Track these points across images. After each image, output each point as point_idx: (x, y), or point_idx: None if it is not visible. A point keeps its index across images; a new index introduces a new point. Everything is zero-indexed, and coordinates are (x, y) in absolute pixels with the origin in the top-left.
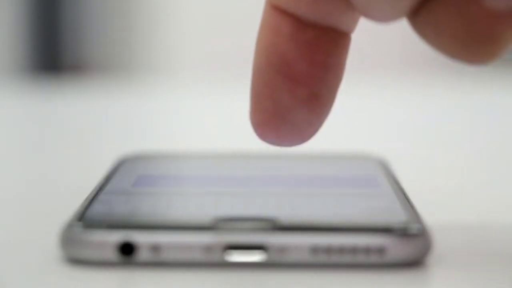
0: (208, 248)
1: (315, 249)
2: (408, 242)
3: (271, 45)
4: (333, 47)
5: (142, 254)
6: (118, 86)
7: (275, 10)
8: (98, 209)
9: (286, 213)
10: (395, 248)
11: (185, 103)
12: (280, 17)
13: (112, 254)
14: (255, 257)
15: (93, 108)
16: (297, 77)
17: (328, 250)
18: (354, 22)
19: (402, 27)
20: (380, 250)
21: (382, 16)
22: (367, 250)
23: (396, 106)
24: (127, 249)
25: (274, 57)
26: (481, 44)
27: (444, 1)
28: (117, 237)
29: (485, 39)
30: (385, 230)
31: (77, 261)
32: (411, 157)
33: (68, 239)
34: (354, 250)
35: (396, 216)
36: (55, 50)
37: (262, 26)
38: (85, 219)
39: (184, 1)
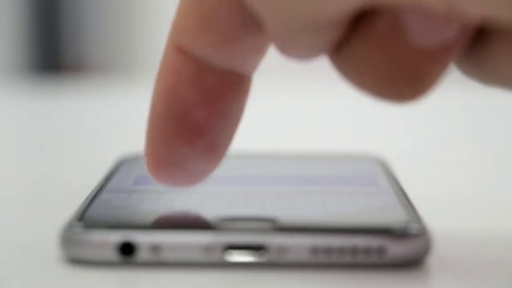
0: (208, 248)
1: (315, 249)
2: (408, 242)
3: (171, 89)
4: (235, 93)
5: (142, 254)
6: (118, 86)
7: (178, 50)
8: (98, 209)
9: (286, 213)
10: (395, 248)
11: None
12: (182, 58)
13: (112, 254)
14: (255, 257)
15: (93, 108)
16: (196, 128)
17: (328, 250)
18: (257, 64)
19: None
20: (380, 250)
21: (300, 53)
22: (367, 250)
23: (396, 106)
24: (127, 249)
25: (173, 102)
26: (408, 83)
27: (366, 38)
28: (117, 237)
29: (412, 78)
30: (385, 230)
31: (77, 261)
32: (411, 157)
33: (68, 239)
34: (354, 250)
35: (396, 216)
36: (55, 50)
37: (162, 67)
38: (85, 219)
39: None
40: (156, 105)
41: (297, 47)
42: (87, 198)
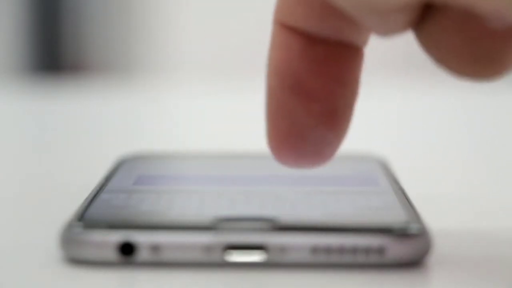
0: (208, 248)
1: (315, 249)
2: (408, 242)
3: (283, 64)
4: (346, 62)
5: (142, 254)
6: (118, 86)
7: (284, 27)
8: (98, 209)
9: (286, 213)
10: (395, 248)
11: (185, 103)
12: (290, 34)
13: (112, 254)
14: (255, 257)
15: (93, 108)
16: (312, 94)
17: (328, 250)
18: (366, 37)
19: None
20: (380, 250)
21: (383, 30)
22: (367, 250)
23: (396, 106)
24: (127, 249)
25: (287, 76)
26: (484, 62)
27: (444, 21)
28: (117, 237)
29: (490, 57)
30: (385, 230)
31: (77, 261)
32: (411, 157)
33: (68, 239)
34: (354, 250)
35: (396, 216)
36: (55, 50)
37: (272, 45)
38: (85, 219)
39: (184, 1)
40: (271, 81)
41: (378, 25)
42: (87, 198)
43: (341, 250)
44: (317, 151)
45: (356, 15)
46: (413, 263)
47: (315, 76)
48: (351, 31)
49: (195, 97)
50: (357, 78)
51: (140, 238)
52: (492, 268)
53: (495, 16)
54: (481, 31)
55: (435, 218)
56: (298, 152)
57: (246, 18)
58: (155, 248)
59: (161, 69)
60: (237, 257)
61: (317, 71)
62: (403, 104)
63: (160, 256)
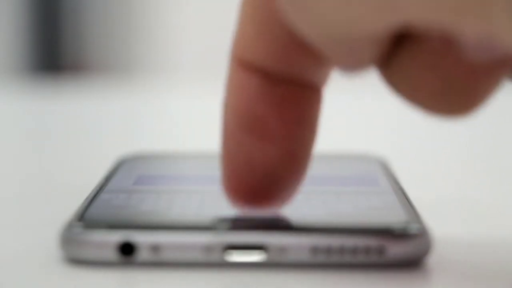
0: (208, 248)
1: (315, 249)
2: (408, 242)
3: (241, 104)
4: (306, 104)
5: (142, 254)
6: (118, 86)
7: (242, 66)
8: (98, 209)
9: (286, 213)
10: (395, 248)
11: (185, 103)
12: (248, 73)
13: (112, 254)
14: (255, 257)
15: (93, 108)
16: (271, 135)
17: (328, 250)
18: (325, 76)
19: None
20: (380, 250)
21: (349, 64)
22: (367, 250)
23: (396, 106)
24: (127, 249)
25: (245, 116)
26: (460, 98)
27: (416, 55)
28: (117, 237)
29: (465, 94)
30: (385, 230)
31: (77, 261)
32: (411, 157)
33: (68, 239)
34: (354, 250)
35: (396, 216)
36: (55, 50)
37: (229, 84)
38: (85, 219)
39: (184, 1)
40: (228, 122)
41: (340, 60)
42: (87, 198)
43: (341, 250)
44: (273, 193)
45: (322, 45)
46: (413, 263)
47: (275, 117)
48: (312, 69)
49: (195, 97)
50: (317, 119)
51: (140, 238)
52: (492, 268)
53: (478, 43)
54: (456, 67)
55: (435, 218)
56: (253, 194)
57: None
58: (155, 248)
59: (161, 69)
60: (237, 257)
61: (276, 112)
62: (403, 104)
63: (160, 256)
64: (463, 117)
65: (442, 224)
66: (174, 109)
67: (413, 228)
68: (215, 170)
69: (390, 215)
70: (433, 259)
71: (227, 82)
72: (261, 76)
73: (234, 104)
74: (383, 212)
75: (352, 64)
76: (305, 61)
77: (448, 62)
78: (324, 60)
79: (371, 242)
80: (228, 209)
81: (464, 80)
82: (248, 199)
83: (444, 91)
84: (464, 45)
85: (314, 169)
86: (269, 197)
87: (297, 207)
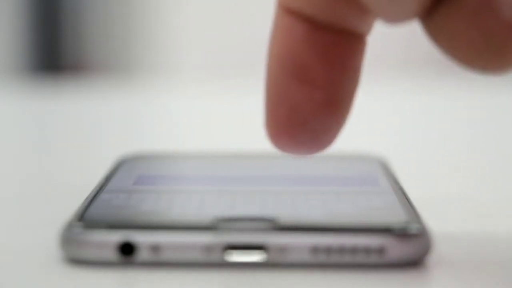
0: (208, 248)
1: (315, 249)
2: (408, 242)
3: (285, 50)
4: (349, 50)
5: (142, 254)
6: (118, 86)
7: (287, 13)
8: (98, 209)
9: (286, 213)
10: (395, 248)
11: (185, 103)
12: (293, 20)
13: (112, 254)
14: (255, 257)
15: (93, 108)
16: (314, 81)
17: (328, 250)
18: (369, 25)
19: (403, 27)
20: (380, 250)
21: (392, 16)
22: (367, 250)
23: (396, 106)
24: (127, 249)
25: (289, 61)
26: (496, 54)
27: (457, 10)
28: (117, 237)
29: (501, 50)
30: (385, 230)
31: (77, 261)
32: (411, 157)
33: (68, 239)
34: (354, 250)
35: (396, 216)
36: (55, 50)
37: (275, 30)
38: (85, 219)
39: (184, 1)
40: (272, 67)
41: (387, 10)
42: (87, 198)
43: (341, 250)
44: (316, 138)
45: None
46: (413, 263)
47: (318, 63)
48: (356, 18)
49: (195, 97)
50: (360, 66)
51: (140, 238)
52: (492, 268)
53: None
54: (495, 23)
55: (435, 218)
56: (297, 139)
57: (246, 18)
58: (155, 248)
59: (161, 69)
60: (237, 257)
61: (320, 58)
62: (403, 104)
63: (160, 256)
64: (499, 74)
65: (442, 223)
66: (174, 109)
67: (413, 228)
68: (215, 170)
69: (390, 215)
70: (433, 259)
71: (272, 28)
72: (306, 22)
73: (279, 50)
74: (383, 212)
75: (395, 15)
76: (349, 11)
77: (487, 17)
78: (368, 11)
79: (371, 242)
80: (228, 209)
81: (502, 36)
82: (290, 144)
83: (482, 45)
84: (501, 4)
85: (314, 169)
86: (310, 142)
87: (297, 207)
